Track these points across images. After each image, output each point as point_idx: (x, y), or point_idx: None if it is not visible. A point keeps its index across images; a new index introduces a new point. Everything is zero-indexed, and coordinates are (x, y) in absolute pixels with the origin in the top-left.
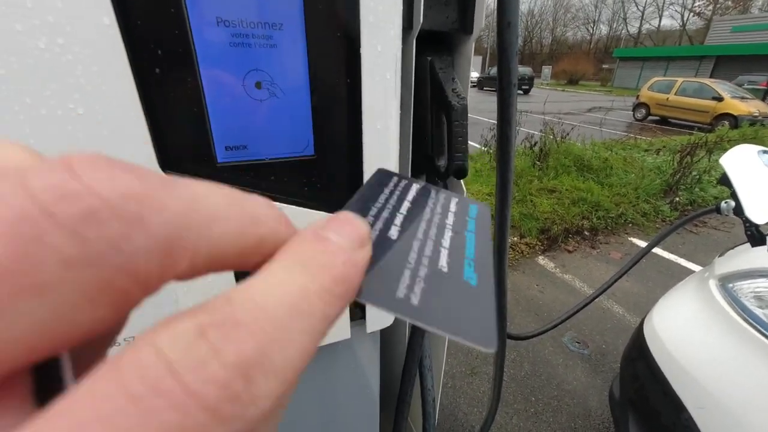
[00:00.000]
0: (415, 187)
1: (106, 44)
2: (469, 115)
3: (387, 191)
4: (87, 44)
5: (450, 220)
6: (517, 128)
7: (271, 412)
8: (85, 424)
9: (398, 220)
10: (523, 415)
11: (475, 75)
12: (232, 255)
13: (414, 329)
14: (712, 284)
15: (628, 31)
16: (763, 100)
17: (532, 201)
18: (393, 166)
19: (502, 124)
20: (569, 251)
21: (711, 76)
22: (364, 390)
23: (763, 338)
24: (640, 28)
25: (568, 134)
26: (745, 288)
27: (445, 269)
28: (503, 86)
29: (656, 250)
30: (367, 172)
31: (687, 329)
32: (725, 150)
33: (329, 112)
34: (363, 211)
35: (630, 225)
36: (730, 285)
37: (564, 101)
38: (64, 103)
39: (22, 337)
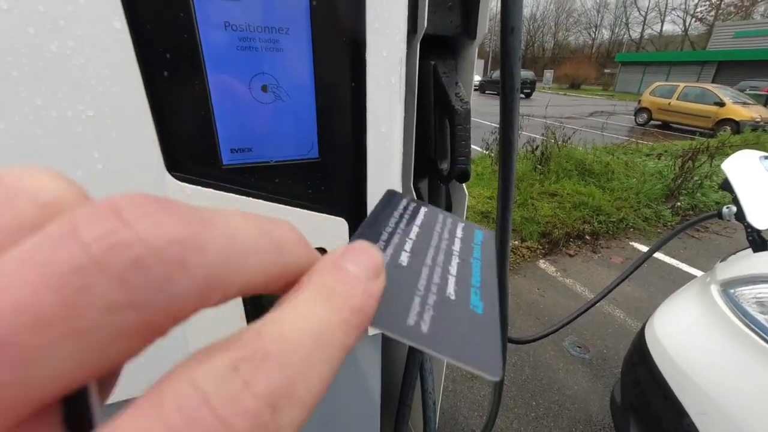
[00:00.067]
0: (423, 211)
1: (116, 48)
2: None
3: (397, 215)
4: (98, 48)
5: (457, 246)
6: (519, 132)
7: None
8: None
9: (408, 245)
10: (523, 419)
11: (477, 78)
12: (260, 284)
13: None
14: (714, 289)
15: (630, 36)
16: (765, 105)
17: (533, 205)
18: (396, 169)
19: (504, 127)
20: (570, 255)
21: (713, 82)
22: (365, 393)
23: (765, 344)
24: (642, 33)
25: (569, 138)
26: (747, 293)
27: (453, 297)
28: (506, 90)
29: (658, 254)
30: (371, 175)
31: (688, 334)
32: (727, 155)
33: (334, 115)
34: (375, 237)
35: (631, 229)
36: (732, 290)
37: (566, 105)
38: (75, 105)
39: (61, 374)
